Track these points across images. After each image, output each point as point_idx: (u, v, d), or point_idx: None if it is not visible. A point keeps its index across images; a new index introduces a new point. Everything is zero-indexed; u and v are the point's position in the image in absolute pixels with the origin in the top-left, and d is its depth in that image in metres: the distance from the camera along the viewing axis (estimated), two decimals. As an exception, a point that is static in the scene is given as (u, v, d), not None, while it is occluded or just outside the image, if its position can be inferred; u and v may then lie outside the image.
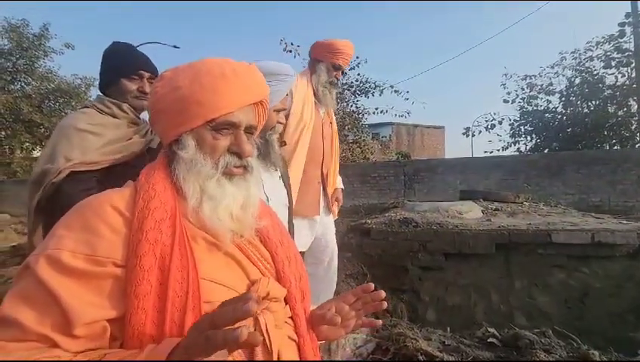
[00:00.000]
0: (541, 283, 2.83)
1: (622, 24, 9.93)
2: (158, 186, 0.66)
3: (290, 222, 1.35)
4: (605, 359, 1.62)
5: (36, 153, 13.95)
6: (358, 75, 11.47)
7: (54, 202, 1.14)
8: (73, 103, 13.81)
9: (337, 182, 2.17)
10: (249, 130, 0.73)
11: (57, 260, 0.56)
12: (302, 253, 2.03)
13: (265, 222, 0.75)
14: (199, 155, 0.68)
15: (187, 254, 0.61)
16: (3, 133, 13.11)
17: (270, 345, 0.63)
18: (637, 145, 10.11)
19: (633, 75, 9.94)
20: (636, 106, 10.04)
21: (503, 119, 12.31)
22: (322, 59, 1.98)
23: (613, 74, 10.32)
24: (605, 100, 10.45)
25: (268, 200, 1.17)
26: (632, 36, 9.83)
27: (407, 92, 12.33)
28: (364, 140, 12.07)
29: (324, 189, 2.02)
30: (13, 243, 5.07)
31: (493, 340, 1.94)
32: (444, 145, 23.66)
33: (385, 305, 0.72)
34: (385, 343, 1.92)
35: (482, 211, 3.73)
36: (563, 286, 2.79)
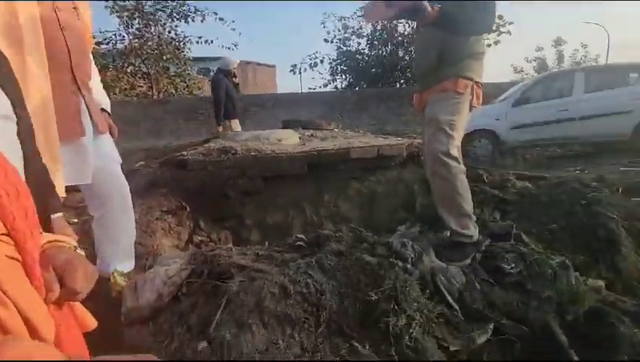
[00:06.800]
0: (343, 193, 3.35)
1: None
2: None
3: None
4: (371, 235, 2.09)
5: None
6: (174, -6, 9.95)
7: None
8: None
9: (104, 103, 1.72)
10: None
11: None
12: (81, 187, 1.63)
13: None
14: None
15: None
16: None
17: None
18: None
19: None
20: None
21: (323, 58, 13.35)
22: None
23: (402, 23, 12.43)
24: (397, 45, 12.63)
25: None
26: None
27: (234, 22, 11.57)
28: (188, 74, 10.94)
29: (85, 101, 1.53)
30: None
31: (301, 243, 2.21)
32: (275, 83, 24.14)
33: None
34: (200, 267, 1.90)
35: (300, 138, 4.02)
36: (358, 193, 3.39)
